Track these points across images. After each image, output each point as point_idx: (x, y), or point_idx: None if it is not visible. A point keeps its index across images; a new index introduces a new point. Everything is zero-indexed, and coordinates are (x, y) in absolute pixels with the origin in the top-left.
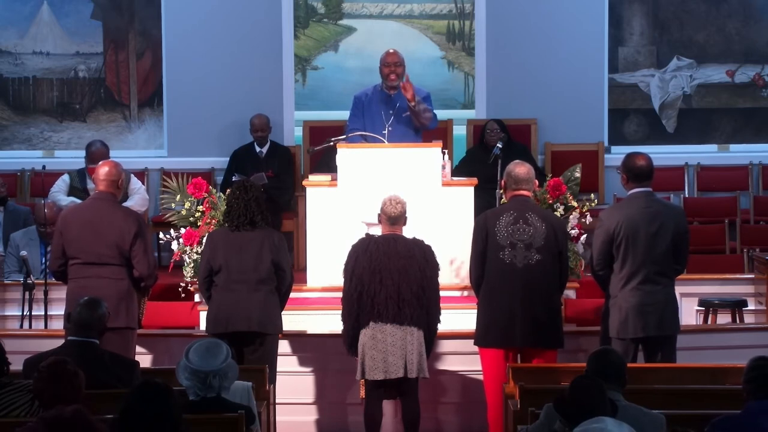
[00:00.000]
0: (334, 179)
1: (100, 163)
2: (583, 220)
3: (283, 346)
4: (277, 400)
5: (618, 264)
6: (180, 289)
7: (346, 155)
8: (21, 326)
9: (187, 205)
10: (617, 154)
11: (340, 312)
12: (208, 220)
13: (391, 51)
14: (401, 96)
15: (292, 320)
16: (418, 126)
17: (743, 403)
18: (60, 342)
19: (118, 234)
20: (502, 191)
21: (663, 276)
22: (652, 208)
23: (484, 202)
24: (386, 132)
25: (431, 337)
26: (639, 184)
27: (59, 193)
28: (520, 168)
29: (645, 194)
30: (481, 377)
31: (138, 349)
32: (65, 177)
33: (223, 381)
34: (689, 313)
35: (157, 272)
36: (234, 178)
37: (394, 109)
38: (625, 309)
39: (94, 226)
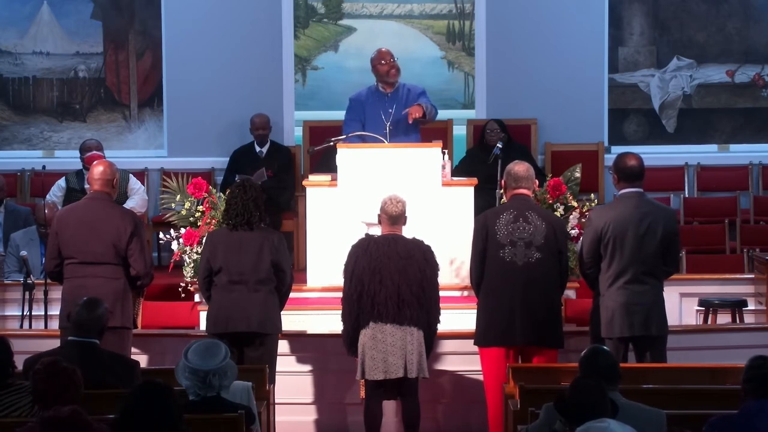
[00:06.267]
0: (334, 179)
1: (95, 162)
2: (583, 220)
3: (283, 346)
4: (276, 400)
5: (605, 263)
6: (180, 289)
7: (346, 155)
8: (21, 326)
9: (187, 205)
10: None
11: (340, 312)
12: (208, 220)
13: (383, 49)
14: (398, 94)
15: (292, 320)
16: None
17: (741, 402)
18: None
19: (115, 233)
20: (502, 191)
21: (650, 276)
22: (641, 209)
23: (484, 202)
24: (387, 131)
25: (431, 337)
26: (630, 185)
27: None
28: (519, 166)
29: (635, 194)
30: (481, 377)
31: (135, 349)
32: (61, 182)
33: (223, 380)
34: (689, 313)
35: (153, 271)
36: (237, 178)
37: (393, 108)
38: (612, 308)
39: (91, 226)
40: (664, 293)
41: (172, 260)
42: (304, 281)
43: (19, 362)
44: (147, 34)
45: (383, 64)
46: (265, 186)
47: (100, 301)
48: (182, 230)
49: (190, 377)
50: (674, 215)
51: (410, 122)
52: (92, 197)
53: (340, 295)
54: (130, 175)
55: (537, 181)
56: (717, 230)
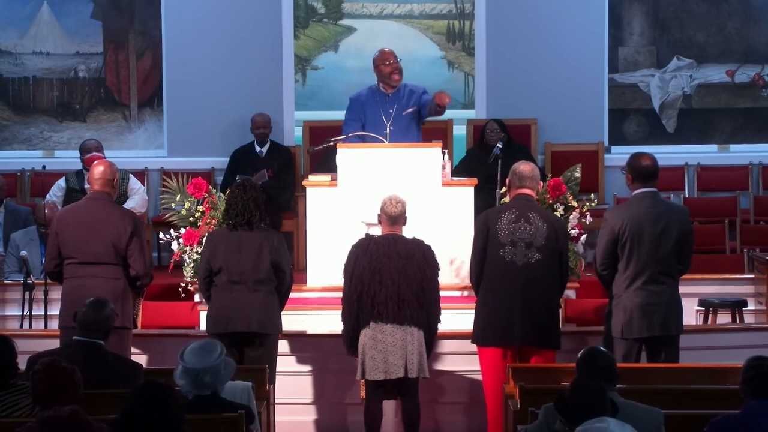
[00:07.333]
0: (334, 179)
1: (95, 162)
2: (583, 220)
3: (283, 346)
4: (276, 400)
5: (623, 264)
6: (180, 289)
7: (346, 155)
8: (21, 326)
9: (187, 205)
10: (617, 154)
11: (340, 312)
12: (208, 220)
13: (386, 49)
14: (398, 94)
15: (292, 320)
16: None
17: (741, 402)
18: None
19: (114, 233)
20: (504, 190)
21: (667, 276)
22: (657, 208)
23: (484, 202)
24: (387, 132)
25: (431, 337)
26: (644, 184)
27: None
28: (524, 166)
29: (650, 194)
30: (480, 377)
31: (135, 349)
32: (61, 182)
33: (216, 378)
34: (689, 313)
35: (153, 271)
36: (237, 179)
37: (394, 109)
38: (630, 309)
39: (91, 226)
40: None
41: (172, 260)
42: (304, 281)
43: (19, 363)
44: (147, 34)
45: (386, 65)
46: (265, 186)
47: (106, 302)
48: (182, 230)
49: (184, 377)
50: (688, 214)
51: (441, 105)
52: (92, 197)
53: (340, 295)
54: (130, 175)
55: (542, 183)
56: (717, 230)
